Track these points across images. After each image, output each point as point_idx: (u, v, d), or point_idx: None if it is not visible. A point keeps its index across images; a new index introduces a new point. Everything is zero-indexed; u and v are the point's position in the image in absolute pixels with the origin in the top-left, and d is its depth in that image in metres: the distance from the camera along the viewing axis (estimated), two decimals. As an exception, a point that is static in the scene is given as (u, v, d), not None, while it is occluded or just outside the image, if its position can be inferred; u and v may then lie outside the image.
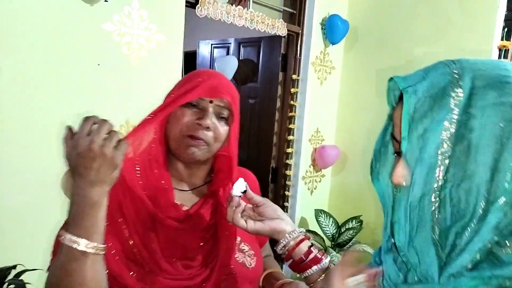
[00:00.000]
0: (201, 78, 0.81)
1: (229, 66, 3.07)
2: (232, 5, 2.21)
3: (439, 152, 0.48)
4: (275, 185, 2.97)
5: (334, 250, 2.69)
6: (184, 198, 0.85)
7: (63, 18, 1.56)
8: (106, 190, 0.62)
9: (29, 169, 1.55)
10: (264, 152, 2.92)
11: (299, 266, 0.72)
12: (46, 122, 1.57)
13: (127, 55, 1.76)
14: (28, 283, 1.40)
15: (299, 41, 2.76)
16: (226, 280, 0.81)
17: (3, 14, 1.42)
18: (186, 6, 1.97)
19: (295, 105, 2.81)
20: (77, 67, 1.63)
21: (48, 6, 1.52)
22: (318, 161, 2.95)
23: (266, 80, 2.97)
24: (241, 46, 3.21)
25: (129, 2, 1.73)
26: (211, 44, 3.54)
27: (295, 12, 2.74)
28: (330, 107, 3.04)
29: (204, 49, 3.64)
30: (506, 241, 0.45)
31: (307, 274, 0.72)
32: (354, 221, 2.76)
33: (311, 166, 3.00)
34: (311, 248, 0.73)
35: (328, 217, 2.82)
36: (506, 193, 0.44)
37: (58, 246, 0.64)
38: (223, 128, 0.82)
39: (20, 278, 1.35)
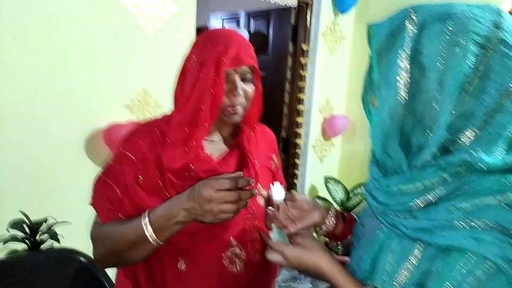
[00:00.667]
0: (217, 44, 0.85)
1: (240, 38, 3.12)
2: (242, -25, 2.26)
3: (400, 75, 0.60)
4: (286, 154, 3.07)
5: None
6: (213, 148, 0.94)
7: (81, -10, 1.65)
8: (190, 220, 0.78)
9: (56, 132, 1.68)
10: (275, 122, 3.00)
11: (337, 238, 0.91)
12: (70, 92, 1.69)
13: (143, 26, 1.84)
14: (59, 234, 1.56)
15: (309, 11, 2.79)
16: (249, 219, 0.92)
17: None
18: (197, -23, 2.03)
19: (305, 76, 2.87)
20: (95, 39, 1.72)
21: (68, -21, 1.61)
22: (328, 131, 3.03)
23: (276, 52, 3.02)
24: (251, 18, 3.25)
25: (143, -26, 1.81)
26: (222, 18, 3.58)
27: (304, -18, 2.76)
28: (340, 77, 3.08)
29: (214, 23, 3.69)
30: (455, 137, 0.58)
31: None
32: (362, 186, 2.85)
33: (321, 136, 3.08)
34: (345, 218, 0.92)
35: (337, 183, 2.92)
36: (451, 100, 0.56)
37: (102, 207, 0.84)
38: (250, 88, 0.90)
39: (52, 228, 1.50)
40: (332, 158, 3.22)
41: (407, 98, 0.60)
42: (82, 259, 1.48)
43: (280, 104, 3.00)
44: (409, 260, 0.62)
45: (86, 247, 1.41)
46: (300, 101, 2.93)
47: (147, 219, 0.78)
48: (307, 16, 2.80)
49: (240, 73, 0.87)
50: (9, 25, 1.51)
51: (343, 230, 0.90)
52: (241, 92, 0.87)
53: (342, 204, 2.89)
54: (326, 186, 2.91)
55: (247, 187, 0.77)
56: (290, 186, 3.04)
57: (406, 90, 0.59)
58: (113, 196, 0.84)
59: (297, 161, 3.03)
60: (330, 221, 0.89)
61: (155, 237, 0.77)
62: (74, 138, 1.73)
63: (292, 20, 2.84)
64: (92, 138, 1.77)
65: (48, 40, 1.60)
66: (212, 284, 0.87)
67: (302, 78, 2.89)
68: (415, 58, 0.58)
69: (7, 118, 1.55)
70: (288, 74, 2.94)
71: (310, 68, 2.86)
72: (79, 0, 1.65)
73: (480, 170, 0.57)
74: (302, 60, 2.83)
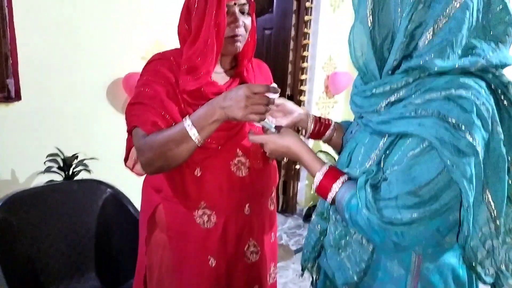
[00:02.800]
0: None
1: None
2: None
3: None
4: (290, 110, 3.21)
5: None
6: (217, 78, 1.09)
7: None
8: (225, 118, 0.91)
9: (81, 81, 1.86)
10: (280, 80, 3.13)
11: (316, 136, 1.10)
12: (90, 42, 1.86)
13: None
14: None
15: (312, -31, 2.86)
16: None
17: None
18: None
19: (308, 33, 2.98)
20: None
21: None
22: (331, 87, 3.16)
23: (281, 10, 3.11)
24: (257, -22, 3.32)
25: None
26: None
27: None
28: (342, 35, 3.17)
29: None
30: (415, 44, 0.69)
31: (324, 138, 1.10)
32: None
33: (324, 93, 3.22)
34: (321, 121, 1.10)
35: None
36: (409, 10, 0.67)
37: (140, 120, 0.97)
38: (248, 20, 1.05)
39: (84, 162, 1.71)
40: (335, 114, 3.36)
41: (374, 8, 0.71)
42: (109, 189, 1.69)
43: (285, 62, 3.12)
44: (375, 150, 0.76)
45: (111, 180, 1.62)
46: (304, 59, 3.05)
47: (189, 121, 0.91)
48: (311, -26, 2.87)
49: (238, 5, 1.02)
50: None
51: (321, 130, 1.09)
52: (241, 23, 1.01)
53: (343, 156, 3.05)
54: (329, 139, 3.07)
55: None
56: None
57: (372, 2, 0.71)
58: (152, 111, 0.98)
59: None
60: (311, 125, 1.08)
61: (198, 135, 0.90)
62: (97, 85, 1.92)
63: (296, -22, 2.91)
64: (112, 86, 1.95)
65: (70, -6, 1.76)
66: (223, 186, 1.06)
67: (305, 35, 3.00)
68: None
69: (40, 67, 1.73)
70: (293, 32, 3.05)
71: (313, 25, 2.96)
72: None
73: (434, 73, 0.67)
74: (306, 17, 2.93)
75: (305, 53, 3.02)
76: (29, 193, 1.55)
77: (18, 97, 1.71)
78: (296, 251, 2.84)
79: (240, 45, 1.05)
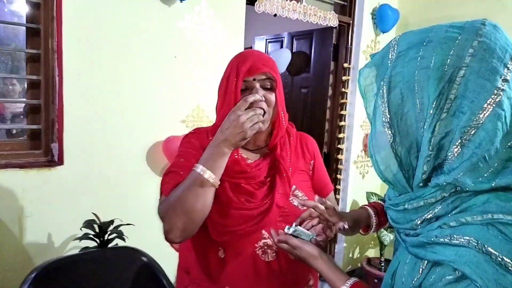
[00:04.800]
0: (238, 59, 1.01)
1: (282, 58, 3.28)
2: (286, 0, 2.42)
3: (382, 101, 0.64)
4: (327, 169, 3.12)
5: (386, 230, 2.80)
6: (249, 155, 1.07)
7: (144, 18, 1.87)
8: (232, 149, 0.92)
9: (122, 145, 1.88)
10: (317, 138, 3.06)
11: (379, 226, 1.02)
12: (133, 108, 1.89)
13: (198, 48, 2.04)
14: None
15: (350, 31, 2.89)
16: (282, 216, 1.01)
17: (96, 18, 1.75)
18: (246, 3, 2.21)
19: (346, 92, 2.95)
20: (157, 61, 1.93)
21: (131, 8, 1.83)
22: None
23: (318, 70, 3.14)
24: (294, 39, 3.40)
25: (198, 2, 2.01)
26: (266, 39, 3.77)
27: (346, 3, 2.88)
28: (381, 94, 3.13)
29: (259, 45, 3.88)
30: (444, 155, 0.60)
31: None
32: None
33: (363, 151, 3.12)
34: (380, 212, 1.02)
35: (379, 198, 2.93)
36: (428, 117, 0.59)
37: (168, 187, 0.95)
38: (271, 96, 1.01)
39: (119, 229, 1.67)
40: (374, 173, 3.21)
41: (391, 121, 0.63)
42: (144, 258, 1.62)
43: (322, 121, 3.09)
44: (417, 275, 0.65)
45: (147, 247, 1.56)
46: (341, 117, 3.01)
47: (200, 167, 0.89)
48: (348, 36, 2.90)
49: (259, 80, 1.00)
50: (87, 50, 1.74)
51: (382, 220, 1.00)
52: (261, 96, 0.97)
53: (385, 219, 2.89)
54: (368, 201, 2.93)
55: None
56: (332, 200, 3.08)
57: (389, 113, 0.63)
58: (180, 179, 0.95)
59: (339, 176, 3.08)
60: (374, 221, 1.00)
61: (213, 175, 0.89)
62: (137, 149, 1.93)
63: (334, 40, 2.95)
64: (152, 149, 1.95)
65: (117, 62, 1.82)
66: (248, 270, 0.98)
67: (343, 95, 2.97)
68: (393, 84, 0.63)
69: (81, 131, 1.77)
70: (330, 91, 3.04)
71: (352, 85, 2.94)
72: (145, 28, 1.87)
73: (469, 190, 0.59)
74: (344, 77, 2.92)
75: (342, 112, 2.98)
76: (63, 262, 1.51)
77: (60, 161, 1.73)
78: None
79: (262, 124, 0.98)
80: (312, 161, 1.16)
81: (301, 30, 3.31)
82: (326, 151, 3.13)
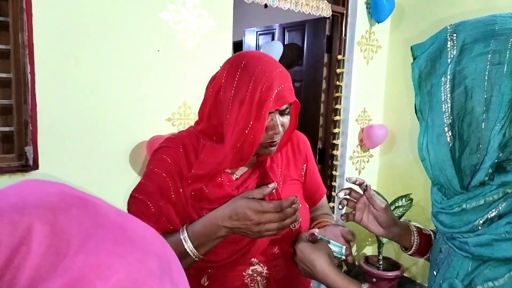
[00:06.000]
0: (262, 85, 0.79)
1: (274, 51, 3.15)
2: (277, -11, 2.29)
3: (443, 99, 0.60)
4: (322, 165, 3.03)
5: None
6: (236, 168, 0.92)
7: (124, 9, 1.73)
8: (232, 234, 0.81)
9: (102, 146, 1.75)
10: (311, 133, 2.98)
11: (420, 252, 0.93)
12: (114, 106, 1.76)
13: (183, 41, 1.90)
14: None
15: (343, 21, 2.78)
16: (271, 239, 0.89)
17: (71, 10, 1.61)
18: (234, -8, 2.08)
19: (341, 86, 2.84)
20: (139, 55, 1.79)
21: (112, 1, 1.70)
22: (366, 141, 2.97)
23: (311, 63, 3.02)
24: (285, 31, 3.28)
25: (183, -8, 1.87)
26: (257, 32, 3.64)
27: (339, -7, 2.76)
28: (377, 87, 3.03)
29: (249, 37, 3.75)
30: (509, 157, 0.57)
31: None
32: (404, 199, 2.76)
33: (359, 146, 3.02)
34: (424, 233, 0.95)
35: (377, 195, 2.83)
36: (500, 120, 0.55)
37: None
38: (287, 119, 0.88)
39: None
40: (370, 169, 3.14)
41: (453, 122, 0.59)
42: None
43: (316, 115, 2.98)
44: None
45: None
46: (336, 112, 2.90)
47: (185, 234, 0.79)
48: (342, 26, 2.79)
49: (279, 111, 0.85)
50: (62, 45, 1.60)
51: (425, 245, 0.92)
52: (281, 129, 0.85)
53: (382, 216, 2.80)
54: (365, 197, 2.84)
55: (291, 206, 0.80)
56: (328, 198, 2.99)
57: (451, 114, 0.59)
58: (148, 212, 0.84)
59: (334, 172, 2.98)
60: (415, 242, 0.92)
61: (195, 252, 0.79)
62: (119, 150, 1.80)
63: (327, 31, 2.84)
64: (136, 150, 1.82)
65: (96, 57, 1.69)
66: None
67: (338, 88, 2.87)
68: (458, 81, 0.58)
69: (58, 133, 1.63)
70: (324, 85, 2.93)
71: (346, 78, 2.83)
72: (125, 19, 1.74)
73: None
74: (338, 70, 2.81)
75: (337, 106, 2.87)
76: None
77: (35, 165, 1.60)
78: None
79: (274, 149, 0.88)
80: (305, 165, 1.04)
81: (293, 21, 3.18)
82: (320, 146, 3.02)
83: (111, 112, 1.75)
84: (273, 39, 3.41)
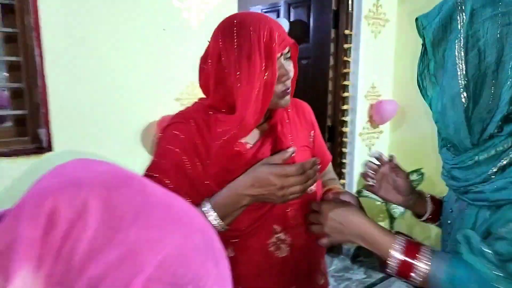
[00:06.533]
0: (263, 31, 0.80)
1: (280, 29, 3.12)
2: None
3: (457, 63, 0.62)
4: (332, 143, 3.03)
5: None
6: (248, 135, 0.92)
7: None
8: (255, 202, 0.81)
9: (113, 127, 1.77)
10: (319, 111, 2.96)
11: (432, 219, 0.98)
12: (123, 86, 1.77)
13: (188, 19, 1.89)
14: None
15: (350, -5, 2.73)
16: (291, 205, 0.90)
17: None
18: (238, -32, 2.05)
19: (349, 61, 2.81)
20: (145, 35, 1.80)
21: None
22: (375, 117, 2.95)
23: (318, 39, 2.98)
24: (291, 7, 3.23)
25: (186, -31, 1.86)
26: (261, 9, 3.59)
27: (344, -35, 2.71)
28: (385, 61, 2.98)
29: (254, 16, 3.71)
30: None
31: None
32: (414, 173, 2.75)
33: (368, 123, 3.00)
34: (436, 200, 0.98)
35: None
36: (510, 76, 0.60)
37: None
38: (292, 66, 0.88)
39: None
40: (381, 145, 3.12)
41: (467, 84, 0.62)
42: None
43: (324, 92, 2.96)
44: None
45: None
46: (344, 88, 2.88)
47: (208, 206, 0.79)
48: (349, 1, 2.74)
49: (284, 54, 0.85)
50: (69, 26, 1.61)
51: (436, 212, 0.95)
52: (291, 74, 0.86)
53: (393, 191, 2.80)
54: (376, 173, 2.83)
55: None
56: (338, 175, 2.99)
57: (466, 76, 0.62)
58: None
59: (344, 150, 2.97)
60: (430, 208, 0.95)
61: (221, 221, 0.78)
62: (130, 131, 1.82)
63: (333, 5, 2.79)
64: (147, 130, 1.84)
65: (103, 38, 1.69)
66: (261, 268, 0.89)
67: (345, 64, 2.83)
68: (471, 45, 0.62)
69: (69, 114, 1.66)
70: (331, 61, 2.90)
71: (354, 53, 2.80)
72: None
73: None
74: (345, 45, 2.77)
75: (345, 82, 2.85)
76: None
77: (49, 147, 1.63)
78: (347, 300, 2.56)
79: (289, 99, 0.88)
80: (312, 131, 1.05)
81: (298, -2, 3.13)
82: (329, 124, 3.01)
83: (119, 93, 1.77)
84: (278, 16, 3.36)
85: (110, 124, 1.76)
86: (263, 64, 0.79)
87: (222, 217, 0.78)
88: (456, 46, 0.62)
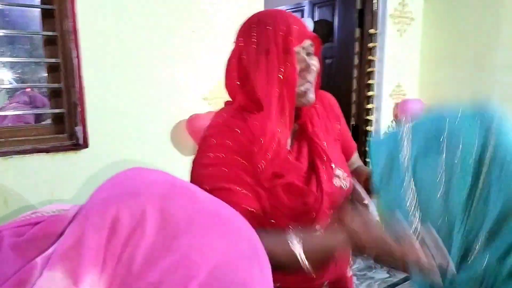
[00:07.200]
0: (281, 25, 0.80)
1: (304, 29, 3.14)
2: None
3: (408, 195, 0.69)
4: (356, 142, 3.01)
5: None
6: (280, 137, 0.88)
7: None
8: None
9: (144, 126, 1.85)
10: (344, 110, 2.95)
11: None
12: (154, 86, 1.85)
13: (216, 21, 1.95)
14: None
15: (375, -6, 2.72)
16: (330, 204, 0.89)
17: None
18: (264, -30, 2.09)
19: (373, 60, 2.80)
20: (175, 35, 1.87)
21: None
22: (401, 116, 2.93)
23: (342, 39, 2.99)
24: (315, 7, 3.25)
25: (215, -28, 1.91)
26: (286, 9, 3.62)
27: (370, -36, 2.70)
28: (411, 60, 2.95)
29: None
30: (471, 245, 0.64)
31: None
32: (440, 173, 2.72)
33: (393, 122, 2.98)
34: None
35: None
36: (460, 211, 0.63)
37: None
38: (316, 62, 0.87)
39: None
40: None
41: (419, 215, 0.67)
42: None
43: (348, 91, 2.96)
44: None
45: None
46: (369, 87, 2.87)
47: (297, 247, 0.74)
48: (374, -1, 2.73)
49: (305, 48, 0.84)
50: (105, 29, 1.70)
51: None
52: (314, 68, 0.85)
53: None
54: (401, 173, 2.82)
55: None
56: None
57: (416, 207, 0.67)
58: (239, 196, 0.80)
59: (368, 149, 2.96)
60: None
61: (306, 263, 0.73)
62: (160, 129, 1.89)
63: (358, 4, 2.79)
64: (176, 129, 1.91)
65: (135, 41, 1.77)
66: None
67: (370, 63, 2.83)
68: (416, 182, 0.67)
69: (104, 113, 1.74)
70: (356, 60, 2.89)
71: (379, 52, 2.79)
72: (159, 2, 1.80)
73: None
74: (370, 44, 2.77)
75: (370, 81, 2.84)
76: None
77: (85, 144, 1.72)
78: (370, 300, 2.56)
79: (313, 96, 0.87)
80: (338, 123, 1.04)
81: (323, -3, 3.14)
82: (354, 123, 3.01)
83: (151, 92, 1.84)
84: (302, 16, 3.38)
85: (142, 122, 1.84)
86: (281, 57, 0.79)
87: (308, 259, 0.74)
88: (404, 180, 0.69)
